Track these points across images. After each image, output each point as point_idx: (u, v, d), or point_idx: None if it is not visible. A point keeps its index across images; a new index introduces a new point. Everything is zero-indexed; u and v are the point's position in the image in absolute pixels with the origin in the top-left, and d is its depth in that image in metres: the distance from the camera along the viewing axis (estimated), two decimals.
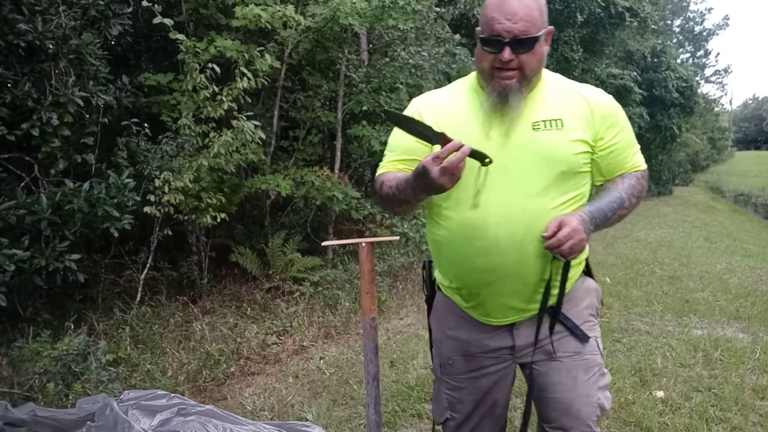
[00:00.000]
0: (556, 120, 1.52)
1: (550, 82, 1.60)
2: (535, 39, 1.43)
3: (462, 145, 1.32)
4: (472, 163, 1.39)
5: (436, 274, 1.80)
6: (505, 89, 1.46)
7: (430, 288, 1.86)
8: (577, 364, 1.61)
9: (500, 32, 1.41)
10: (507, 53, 1.42)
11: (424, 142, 1.50)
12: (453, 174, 1.32)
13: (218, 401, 3.47)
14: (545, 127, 1.51)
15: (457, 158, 1.31)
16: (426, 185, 1.36)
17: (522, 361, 1.69)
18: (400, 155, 1.64)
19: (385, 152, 1.70)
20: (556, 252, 1.44)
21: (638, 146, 1.68)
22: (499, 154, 1.46)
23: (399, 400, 3.28)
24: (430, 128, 1.41)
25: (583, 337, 1.62)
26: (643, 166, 1.67)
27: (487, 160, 1.38)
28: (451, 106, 1.60)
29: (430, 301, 1.85)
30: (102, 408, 2.45)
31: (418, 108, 1.64)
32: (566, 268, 1.54)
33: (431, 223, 1.68)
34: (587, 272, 1.73)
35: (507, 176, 1.48)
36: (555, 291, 1.58)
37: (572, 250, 1.43)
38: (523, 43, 1.42)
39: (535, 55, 1.46)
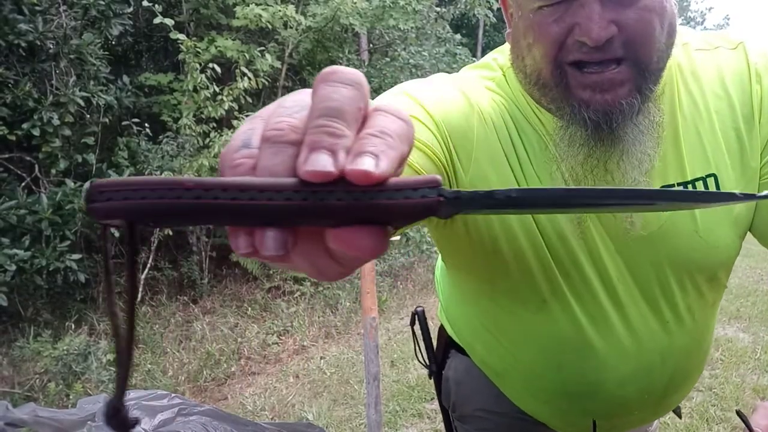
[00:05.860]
0: (706, 178, 0.75)
1: (687, 71, 0.75)
2: None
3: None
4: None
5: (454, 335, 1.04)
6: (607, 113, 0.65)
7: (442, 352, 1.07)
8: None
9: None
10: (596, 8, 0.61)
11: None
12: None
13: (219, 401, 3.47)
14: None
15: None
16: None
17: None
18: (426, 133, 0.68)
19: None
20: None
21: None
22: (599, 259, 0.77)
23: (399, 400, 3.29)
24: None
25: (678, 414, 1.13)
26: None
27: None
28: (509, 149, 0.74)
29: (438, 374, 1.09)
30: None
31: (483, 121, 0.73)
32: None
33: (477, 320, 0.96)
34: None
35: (626, 300, 0.81)
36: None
37: None
38: None
39: (656, 12, 0.63)
